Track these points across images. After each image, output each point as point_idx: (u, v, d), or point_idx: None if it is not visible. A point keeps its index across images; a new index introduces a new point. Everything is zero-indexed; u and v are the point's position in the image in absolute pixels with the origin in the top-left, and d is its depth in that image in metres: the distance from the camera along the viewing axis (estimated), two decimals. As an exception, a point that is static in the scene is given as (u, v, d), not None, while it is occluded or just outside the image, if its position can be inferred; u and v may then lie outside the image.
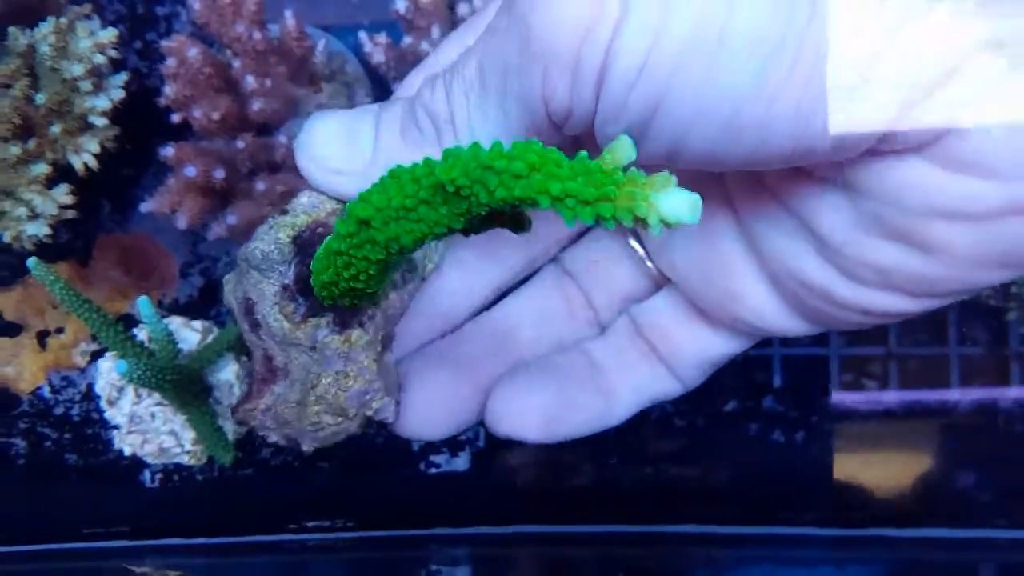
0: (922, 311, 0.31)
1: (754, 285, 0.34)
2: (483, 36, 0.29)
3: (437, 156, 0.26)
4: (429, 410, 0.38)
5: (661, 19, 0.24)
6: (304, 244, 0.33)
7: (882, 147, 0.26)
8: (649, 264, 0.39)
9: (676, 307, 0.38)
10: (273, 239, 0.33)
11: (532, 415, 0.37)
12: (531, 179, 0.23)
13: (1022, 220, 0.26)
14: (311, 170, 0.32)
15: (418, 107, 0.31)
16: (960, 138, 0.25)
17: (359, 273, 0.29)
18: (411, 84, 0.35)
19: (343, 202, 0.33)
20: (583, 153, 0.23)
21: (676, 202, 0.22)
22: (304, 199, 0.33)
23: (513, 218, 0.28)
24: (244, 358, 0.78)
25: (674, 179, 0.22)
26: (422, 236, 0.26)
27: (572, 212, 0.23)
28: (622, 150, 0.23)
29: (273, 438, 0.37)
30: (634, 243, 0.40)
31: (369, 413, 0.36)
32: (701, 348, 0.38)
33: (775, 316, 0.35)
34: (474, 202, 0.24)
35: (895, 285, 0.30)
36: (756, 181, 0.32)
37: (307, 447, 0.36)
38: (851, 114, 0.25)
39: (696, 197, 0.22)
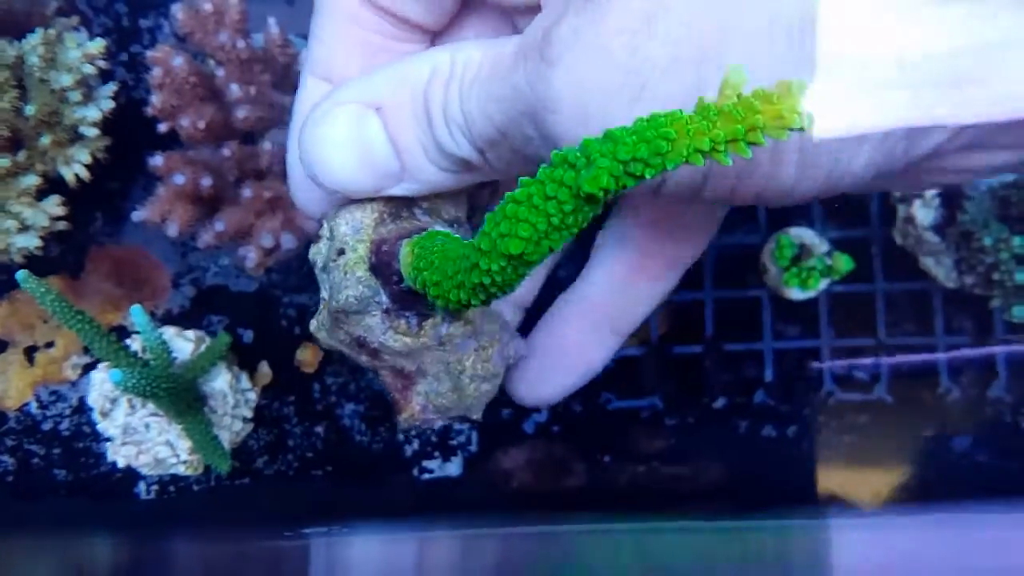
0: None
1: None
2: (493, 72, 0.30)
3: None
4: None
5: None
6: (379, 268, 0.34)
7: None
8: None
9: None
10: (356, 281, 0.34)
11: None
12: (677, 148, 0.23)
13: None
14: (331, 179, 0.33)
15: (433, 106, 0.31)
16: None
17: (494, 287, 0.29)
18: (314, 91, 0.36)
19: (382, 209, 0.34)
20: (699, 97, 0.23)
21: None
22: (343, 226, 0.34)
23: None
24: (236, 368, 0.78)
25: (805, 81, 0.22)
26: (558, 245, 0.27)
27: (725, 155, 0.23)
28: (736, 78, 0.23)
29: (439, 424, 0.39)
30: None
31: (511, 361, 0.39)
32: None
33: None
34: (611, 196, 0.24)
35: None
36: None
37: (476, 415, 0.39)
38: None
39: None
